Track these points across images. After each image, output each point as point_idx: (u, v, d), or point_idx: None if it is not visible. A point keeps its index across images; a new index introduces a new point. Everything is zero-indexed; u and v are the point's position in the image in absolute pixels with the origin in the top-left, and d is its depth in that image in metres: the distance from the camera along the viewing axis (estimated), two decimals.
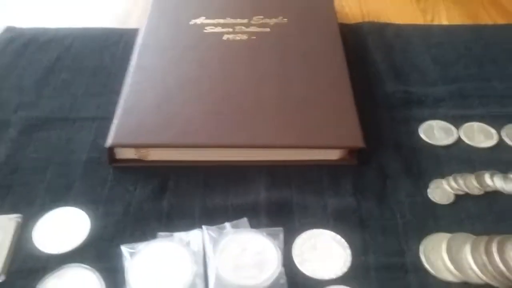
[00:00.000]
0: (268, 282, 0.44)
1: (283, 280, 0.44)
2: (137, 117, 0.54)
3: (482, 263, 0.44)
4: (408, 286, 0.44)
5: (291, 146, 0.53)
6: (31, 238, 0.48)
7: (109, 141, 0.52)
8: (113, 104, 0.58)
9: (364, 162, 0.54)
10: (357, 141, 0.52)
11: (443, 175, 0.53)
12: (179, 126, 0.53)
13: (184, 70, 0.60)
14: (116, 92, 0.60)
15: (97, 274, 0.45)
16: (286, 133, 0.53)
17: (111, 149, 0.53)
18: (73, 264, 0.45)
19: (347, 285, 0.44)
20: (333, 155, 0.54)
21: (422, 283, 0.44)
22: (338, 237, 0.47)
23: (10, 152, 0.56)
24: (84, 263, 0.46)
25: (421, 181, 0.52)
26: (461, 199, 0.51)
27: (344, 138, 0.53)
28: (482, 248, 0.45)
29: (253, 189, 0.52)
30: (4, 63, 0.69)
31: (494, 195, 0.51)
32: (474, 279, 0.44)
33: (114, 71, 0.67)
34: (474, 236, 0.46)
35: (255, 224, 0.49)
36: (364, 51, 0.71)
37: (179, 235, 0.48)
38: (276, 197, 0.51)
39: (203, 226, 0.48)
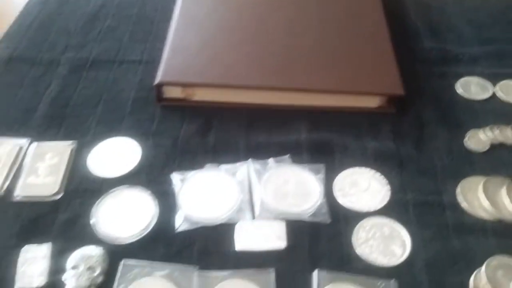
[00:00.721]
0: (311, 211, 0.46)
1: (325, 210, 0.46)
2: (184, 58, 0.57)
3: None
4: (445, 222, 0.46)
5: (332, 91, 0.55)
6: (86, 163, 0.51)
7: (157, 79, 0.55)
8: (157, 50, 0.61)
9: (402, 111, 0.56)
10: (397, 88, 0.54)
11: (479, 127, 0.55)
12: (223, 67, 0.56)
13: (227, 16, 0.62)
14: (160, 40, 0.62)
15: (151, 196, 0.47)
16: (327, 78, 0.55)
17: (159, 87, 0.56)
18: (127, 186, 0.48)
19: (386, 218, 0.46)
20: (372, 102, 0.56)
21: (459, 220, 0.46)
22: (378, 174, 0.50)
23: (61, 88, 0.59)
24: (137, 187, 0.48)
25: (457, 130, 0.54)
26: (496, 148, 0.53)
27: (384, 85, 0.55)
28: None
29: (295, 130, 0.54)
30: (50, 9, 0.71)
31: None
32: (508, 217, 0.46)
33: (157, 20, 0.69)
34: (510, 180, 0.48)
35: (297, 161, 0.51)
36: (402, 9, 0.72)
37: (225, 167, 0.50)
38: (317, 138, 0.53)
39: (249, 159, 0.51)
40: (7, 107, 0.56)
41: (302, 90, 0.55)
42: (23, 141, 0.52)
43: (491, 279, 0.40)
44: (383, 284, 0.41)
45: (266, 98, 0.56)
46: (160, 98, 0.57)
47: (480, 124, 0.55)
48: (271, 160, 0.51)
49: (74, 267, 0.42)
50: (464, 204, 0.47)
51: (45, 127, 0.54)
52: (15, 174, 0.50)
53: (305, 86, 0.55)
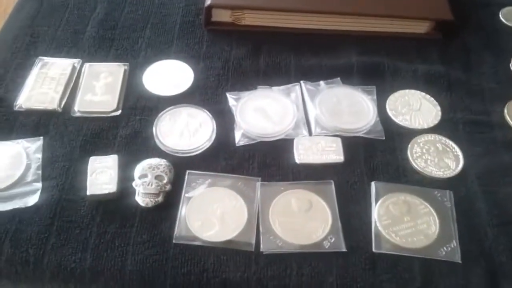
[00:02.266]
0: (366, 128, 0.48)
1: (380, 128, 0.48)
2: None
3: None
4: (493, 139, 0.48)
5: (382, 15, 0.55)
6: (141, 82, 0.51)
7: (208, 1, 0.55)
8: None
9: (449, 37, 0.57)
10: (446, 14, 0.55)
11: None
12: None
13: None
14: None
15: (208, 113, 0.48)
16: (377, 3, 0.55)
17: (208, 10, 0.56)
18: (184, 105, 0.49)
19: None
20: (420, 28, 0.56)
21: (507, 137, 0.48)
22: (428, 96, 0.51)
23: (107, 10, 0.58)
24: (193, 105, 0.49)
25: (502, 56, 0.55)
26: None
27: (433, 11, 0.55)
28: None
29: (345, 54, 0.54)
30: None
31: None
32: None
33: None
34: None
35: (347, 83, 0.52)
36: None
37: (277, 88, 0.51)
38: (367, 61, 0.53)
39: (301, 81, 0.52)
40: (55, 29, 0.56)
41: (352, 15, 0.55)
42: (76, 61, 0.53)
43: None
44: (439, 194, 0.43)
45: (315, 22, 0.56)
46: (208, 21, 0.57)
47: None
48: (322, 83, 0.52)
49: (141, 176, 0.43)
50: (511, 124, 0.48)
51: (95, 48, 0.54)
52: (71, 92, 0.50)
53: (355, 10, 0.55)
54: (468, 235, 0.41)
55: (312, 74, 0.53)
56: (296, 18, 0.56)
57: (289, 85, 0.51)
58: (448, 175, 0.45)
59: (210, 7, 0.55)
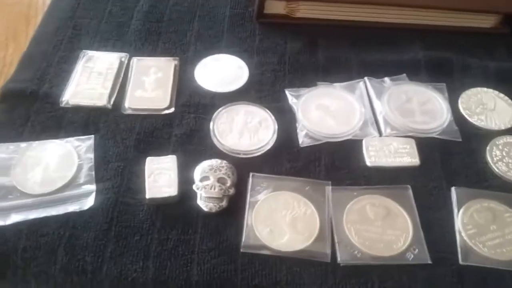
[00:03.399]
0: (440, 129, 0.44)
1: (455, 128, 0.44)
2: None
3: None
4: None
5: (447, 8, 0.52)
6: (193, 78, 0.48)
7: None
8: None
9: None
10: None
11: None
12: None
13: None
14: None
15: (267, 111, 0.45)
16: None
17: (262, 2, 0.52)
18: (241, 102, 0.46)
19: None
20: (487, 22, 0.53)
21: None
22: (502, 94, 0.47)
23: (152, 2, 0.55)
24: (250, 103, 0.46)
25: None
26: None
27: (501, 3, 0.52)
28: None
29: (409, 49, 0.51)
30: None
31: None
32: None
33: None
34: None
35: (414, 80, 0.48)
36: None
37: (339, 85, 0.48)
38: (434, 56, 0.50)
39: (365, 78, 0.48)
40: (98, 21, 0.53)
41: (414, 7, 0.52)
42: (123, 55, 0.50)
43: None
44: None
45: (374, 15, 0.53)
46: (260, 14, 0.53)
47: None
48: (387, 79, 0.48)
49: (203, 179, 0.40)
50: None
51: (141, 42, 0.51)
52: (120, 87, 0.47)
53: (417, 2, 0.51)
54: None
55: (375, 70, 0.49)
56: (354, 10, 0.53)
57: (352, 82, 0.48)
58: None
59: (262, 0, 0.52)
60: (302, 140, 0.43)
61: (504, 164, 0.42)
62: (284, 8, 0.53)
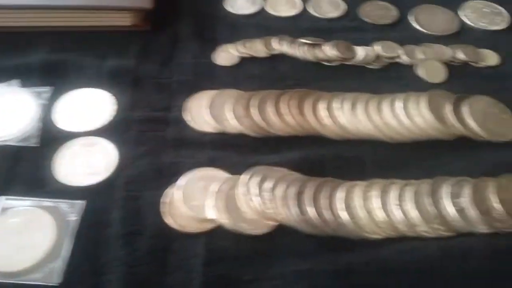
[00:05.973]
0: (19, 135, 0.43)
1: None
2: None
3: (240, 115, 0.44)
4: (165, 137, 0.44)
5: (76, 8, 0.50)
6: None
7: None
8: None
9: (161, 28, 0.53)
10: (145, 2, 0.51)
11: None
12: None
13: None
14: None
15: None
16: None
17: None
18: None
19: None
20: (124, 20, 0.52)
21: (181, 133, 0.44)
22: (109, 94, 0.46)
23: None
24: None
25: (209, 45, 0.52)
26: (246, 61, 0.51)
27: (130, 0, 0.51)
28: (243, 101, 0.45)
29: (30, 53, 0.49)
30: None
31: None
32: (230, 129, 0.44)
33: None
34: (240, 92, 0.46)
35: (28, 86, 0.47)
36: None
37: None
38: (52, 59, 0.49)
39: None
40: None
41: (41, 8, 0.50)
42: None
43: None
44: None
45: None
46: None
47: (240, 39, 0.52)
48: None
49: None
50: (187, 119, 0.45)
51: None
52: None
53: (44, 3, 0.50)
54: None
55: None
56: None
57: None
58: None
59: None
60: None
61: None
62: None
